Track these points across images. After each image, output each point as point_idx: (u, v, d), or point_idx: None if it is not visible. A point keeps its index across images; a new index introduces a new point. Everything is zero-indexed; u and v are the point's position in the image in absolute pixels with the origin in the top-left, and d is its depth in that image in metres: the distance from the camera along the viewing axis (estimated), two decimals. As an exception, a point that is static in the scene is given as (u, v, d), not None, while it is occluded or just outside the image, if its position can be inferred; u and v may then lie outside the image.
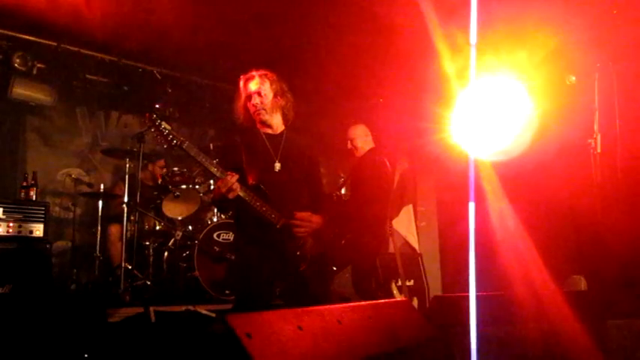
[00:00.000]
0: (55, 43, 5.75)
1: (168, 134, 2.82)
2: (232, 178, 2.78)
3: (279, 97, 3.08)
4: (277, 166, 3.01)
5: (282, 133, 3.13)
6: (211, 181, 5.59)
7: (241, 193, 2.81)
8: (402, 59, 5.52)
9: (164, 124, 2.84)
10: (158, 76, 6.40)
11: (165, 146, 2.87)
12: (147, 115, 2.88)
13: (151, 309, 4.21)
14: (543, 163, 4.52)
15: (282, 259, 2.96)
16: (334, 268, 5.01)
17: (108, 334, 3.85)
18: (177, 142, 2.81)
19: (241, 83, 3.11)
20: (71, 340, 3.51)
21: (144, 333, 3.90)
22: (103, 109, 6.67)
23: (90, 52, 5.96)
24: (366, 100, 6.81)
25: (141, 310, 4.22)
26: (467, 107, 4.42)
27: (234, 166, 2.95)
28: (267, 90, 3.05)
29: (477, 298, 2.07)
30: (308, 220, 2.99)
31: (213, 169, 2.84)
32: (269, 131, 3.10)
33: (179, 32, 5.37)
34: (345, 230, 4.91)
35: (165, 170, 5.87)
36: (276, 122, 3.12)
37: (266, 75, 3.09)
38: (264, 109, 3.04)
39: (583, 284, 4.35)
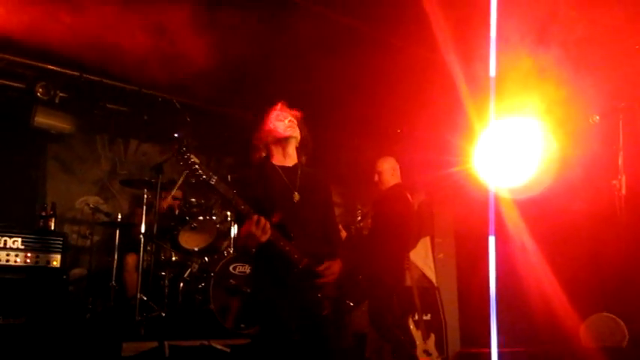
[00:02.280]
0: (77, 73, 5.83)
1: (197, 168, 2.67)
2: (263, 220, 2.67)
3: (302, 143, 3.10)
4: (296, 196, 2.95)
5: (296, 165, 3.09)
6: (228, 213, 5.57)
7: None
8: (423, 91, 5.50)
9: (193, 158, 2.68)
10: (177, 105, 6.44)
11: (193, 180, 2.74)
12: (175, 147, 2.72)
13: (166, 343, 4.17)
14: (567, 202, 4.44)
15: (303, 300, 2.89)
16: (351, 304, 4.93)
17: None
18: (206, 177, 2.68)
19: (272, 117, 3.06)
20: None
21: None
22: (122, 137, 6.74)
23: (111, 82, 6.02)
24: (385, 130, 6.80)
25: (155, 344, 4.18)
26: (489, 142, 4.38)
27: (253, 200, 2.86)
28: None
29: (500, 355, 2.01)
30: (331, 272, 2.93)
31: (242, 207, 2.74)
32: (284, 164, 3.06)
33: (199, 63, 5.41)
34: (363, 265, 4.84)
35: (171, 199, 5.86)
36: (292, 154, 3.09)
37: (296, 117, 3.07)
38: (293, 127, 3.03)
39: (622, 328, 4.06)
